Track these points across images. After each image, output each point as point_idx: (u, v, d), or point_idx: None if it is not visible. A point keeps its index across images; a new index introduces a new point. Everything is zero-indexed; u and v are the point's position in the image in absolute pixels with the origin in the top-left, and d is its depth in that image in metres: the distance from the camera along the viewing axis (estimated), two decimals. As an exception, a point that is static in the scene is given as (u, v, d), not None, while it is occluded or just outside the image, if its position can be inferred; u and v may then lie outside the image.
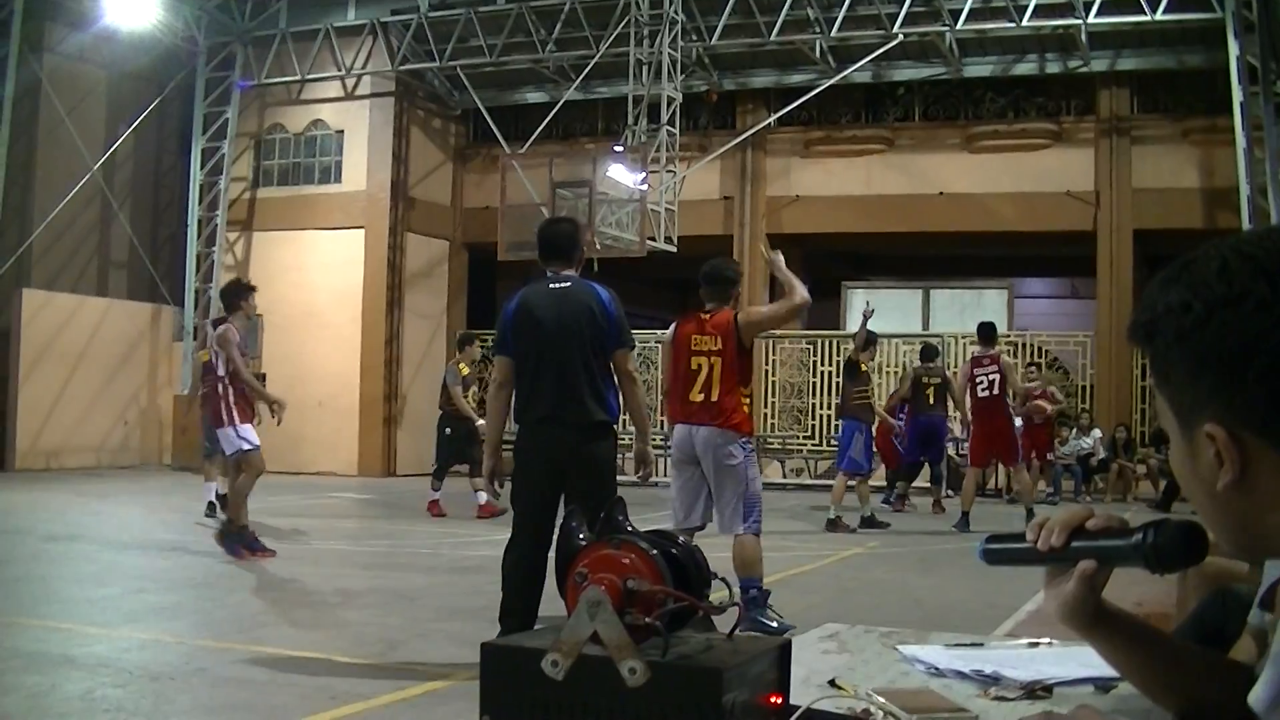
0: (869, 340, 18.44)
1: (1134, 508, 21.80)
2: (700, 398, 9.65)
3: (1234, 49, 22.56)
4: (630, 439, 8.54)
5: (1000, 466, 21.80)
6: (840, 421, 18.59)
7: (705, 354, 9.69)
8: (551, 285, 8.37)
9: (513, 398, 8.33)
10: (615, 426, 8.33)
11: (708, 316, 9.85)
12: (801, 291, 9.71)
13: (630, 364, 8.38)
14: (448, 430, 19.07)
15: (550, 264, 8.56)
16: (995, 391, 17.97)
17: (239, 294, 14.46)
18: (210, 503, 16.99)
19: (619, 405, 8.32)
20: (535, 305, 8.24)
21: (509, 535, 8.18)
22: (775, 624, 9.22)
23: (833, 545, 15.56)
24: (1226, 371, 1.55)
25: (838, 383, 26.70)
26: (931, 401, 19.60)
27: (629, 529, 1.98)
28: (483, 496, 17.98)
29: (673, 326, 10.13)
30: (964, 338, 25.93)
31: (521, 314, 8.24)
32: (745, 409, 9.79)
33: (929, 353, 20.31)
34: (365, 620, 9.83)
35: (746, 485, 9.61)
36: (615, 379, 8.29)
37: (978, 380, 18.08)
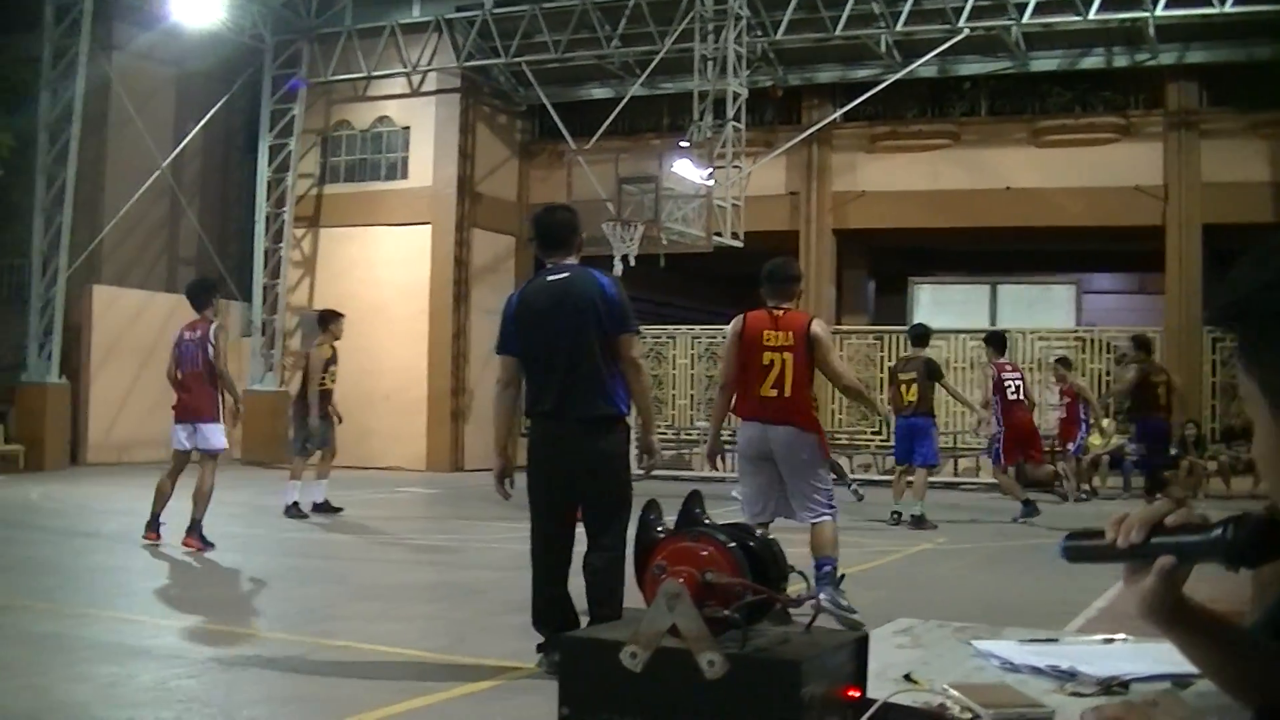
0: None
1: (1204, 504, 21.62)
2: (773, 393, 9.68)
3: (1305, 41, 22.36)
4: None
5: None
6: (917, 419, 18.23)
7: (778, 350, 9.72)
8: (550, 279, 8.27)
9: (521, 395, 8.29)
10: (625, 419, 8.16)
11: (780, 313, 9.87)
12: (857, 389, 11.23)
13: (634, 350, 8.17)
14: None
15: (551, 255, 8.47)
16: (1021, 395, 18.64)
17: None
18: (293, 504, 17.18)
19: (628, 398, 8.12)
20: (537, 300, 8.16)
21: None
22: (846, 603, 9.29)
23: (899, 541, 15.50)
24: None
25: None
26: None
27: (706, 522, 1.99)
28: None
29: (740, 320, 10.05)
30: (1031, 333, 25.80)
31: (523, 311, 8.17)
32: (815, 406, 10.11)
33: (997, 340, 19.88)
34: (433, 614, 9.88)
35: (823, 474, 9.87)
36: (620, 366, 8.07)
37: (1006, 384, 18.51)
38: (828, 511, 9.70)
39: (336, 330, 17.42)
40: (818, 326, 9.93)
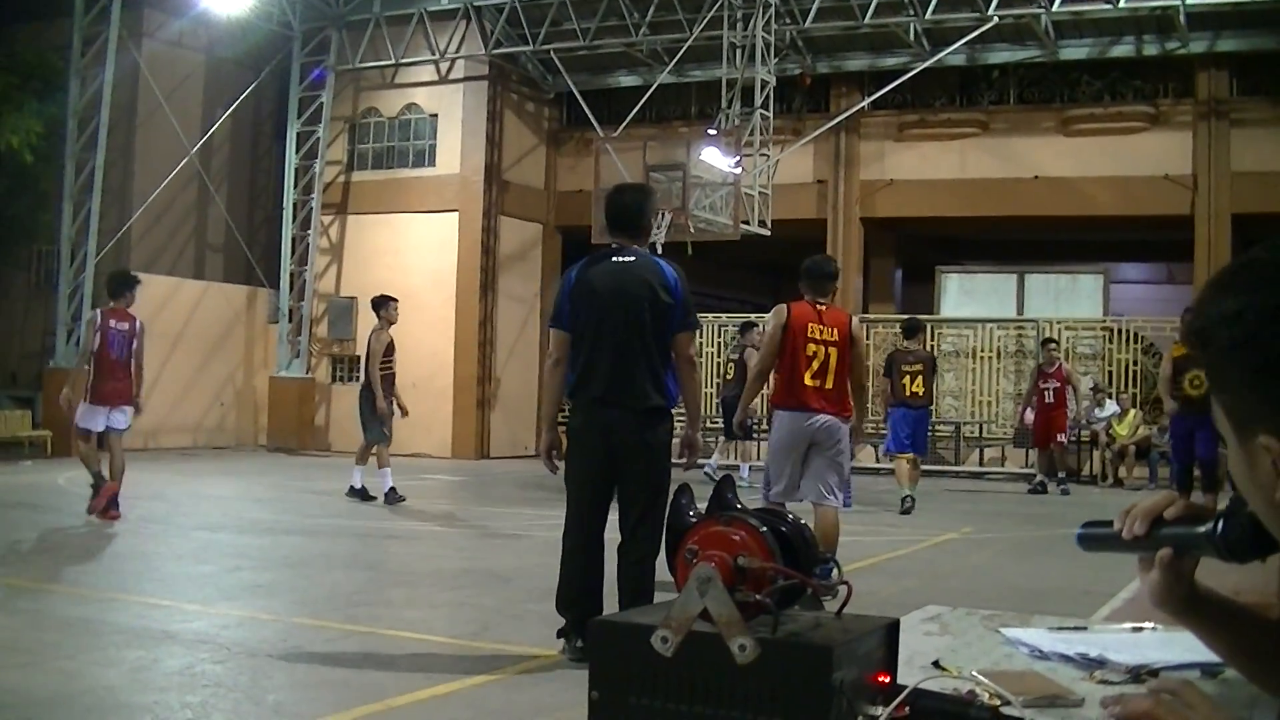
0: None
1: (1230, 494, 21.54)
2: (816, 383, 10.17)
3: (1337, 30, 22.22)
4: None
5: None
6: (923, 410, 19.00)
7: (823, 343, 10.22)
8: (615, 259, 8.07)
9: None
10: (672, 411, 8.12)
11: (824, 308, 10.41)
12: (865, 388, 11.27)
13: (691, 348, 8.10)
14: None
15: (617, 236, 8.22)
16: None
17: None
18: (391, 489, 17.13)
19: (677, 390, 8.09)
20: (596, 279, 7.96)
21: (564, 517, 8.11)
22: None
23: (926, 530, 15.49)
24: None
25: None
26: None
27: (739, 506, 1.99)
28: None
29: (784, 310, 10.38)
30: (1059, 323, 25.72)
31: (581, 288, 7.97)
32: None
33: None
34: (459, 600, 9.89)
35: (847, 465, 10.55)
36: (674, 362, 8.02)
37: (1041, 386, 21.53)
38: (836, 500, 10.27)
39: (388, 315, 17.27)
40: (857, 325, 10.60)
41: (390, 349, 17.20)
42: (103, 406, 14.63)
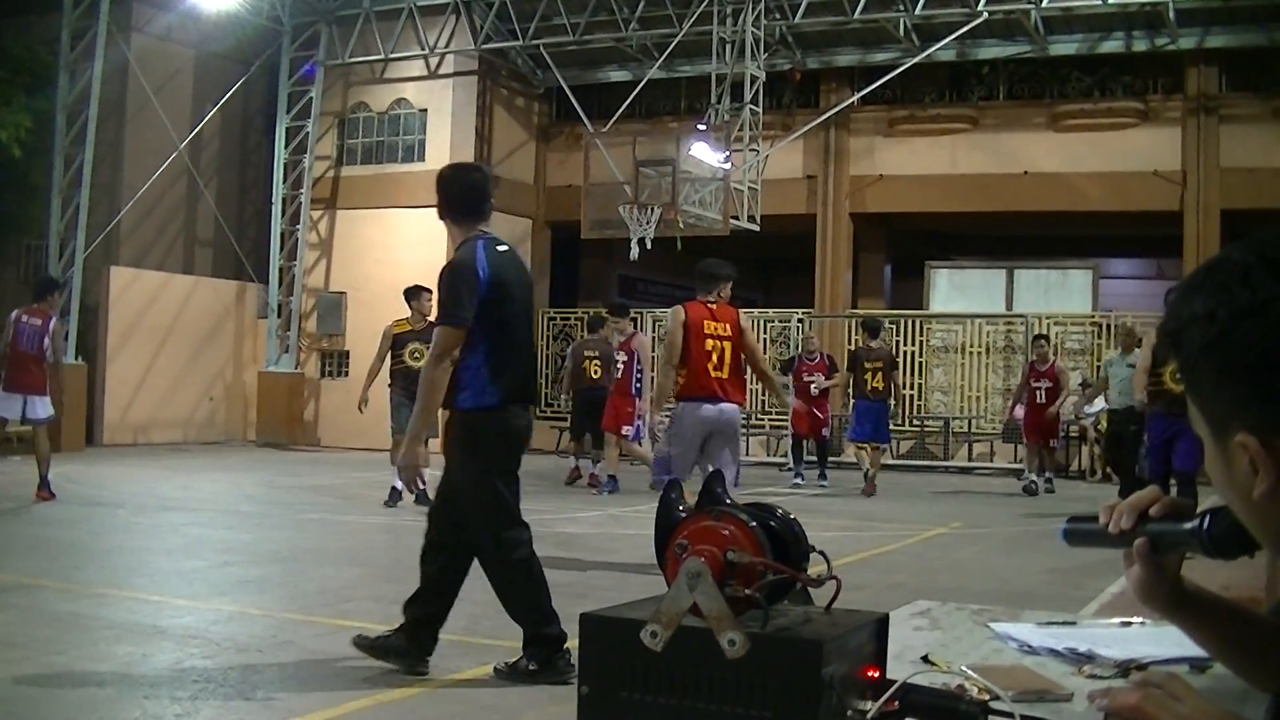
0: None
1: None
2: (719, 374, 11.01)
3: (1325, 25, 22.24)
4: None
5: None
6: (881, 403, 20.61)
7: (718, 338, 11.06)
8: (502, 249, 7.64)
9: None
10: None
11: (715, 306, 11.27)
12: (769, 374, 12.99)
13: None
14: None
15: (475, 220, 7.76)
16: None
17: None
18: (394, 488, 16.29)
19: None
20: (505, 272, 7.51)
21: (506, 530, 7.51)
22: None
23: (915, 525, 15.51)
24: (1255, 382, 1.52)
25: (921, 362, 26.79)
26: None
27: (728, 501, 1.99)
28: (596, 466, 19.95)
29: (682, 311, 11.23)
30: (1048, 318, 25.75)
31: (498, 281, 7.39)
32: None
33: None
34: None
35: (738, 451, 11.45)
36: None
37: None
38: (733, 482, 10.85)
39: (419, 307, 16.65)
40: (744, 320, 11.46)
41: (410, 339, 17.03)
42: (16, 394, 15.64)
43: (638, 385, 18.52)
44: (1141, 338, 18.30)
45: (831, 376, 21.69)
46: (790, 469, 21.70)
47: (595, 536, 14.25)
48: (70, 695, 6.53)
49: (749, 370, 11.99)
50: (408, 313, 16.80)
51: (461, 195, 7.87)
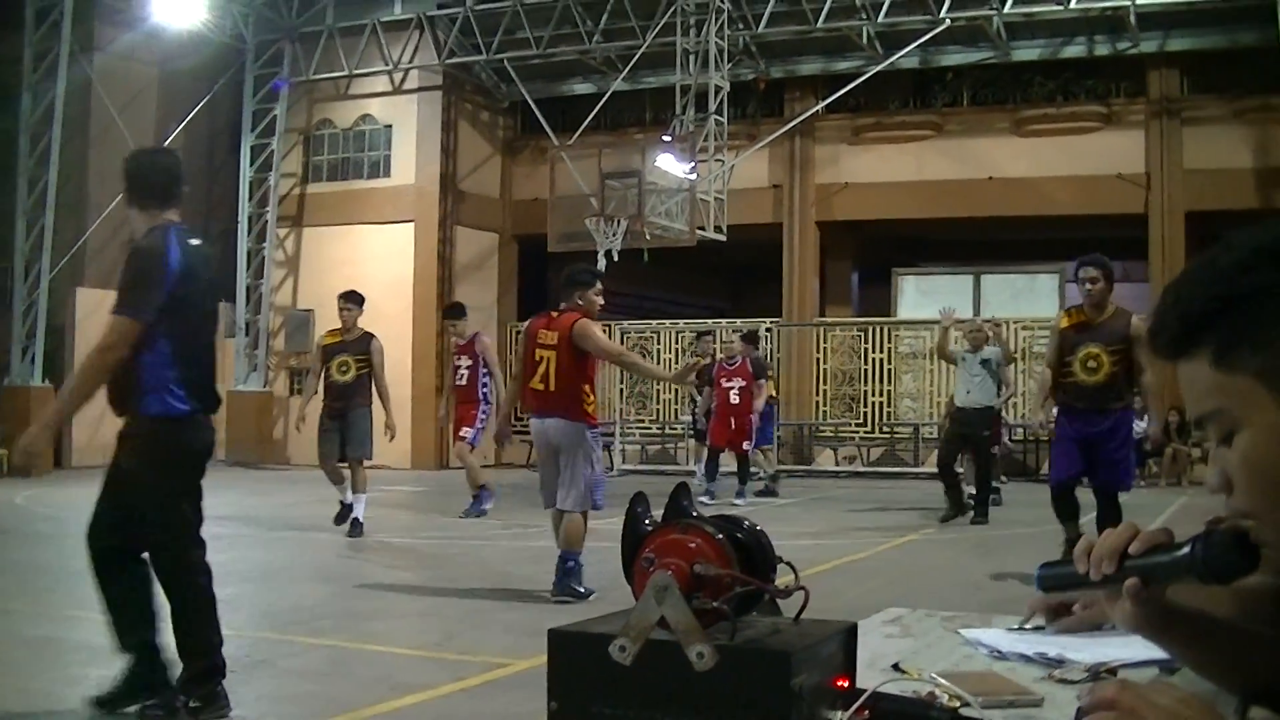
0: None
1: (1190, 492, 21.68)
2: (540, 387, 10.54)
3: (1285, 26, 22.34)
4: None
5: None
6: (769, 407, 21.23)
7: (546, 347, 10.55)
8: (193, 241, 6.76)
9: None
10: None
11: (556, 315, 10.75)
12: (631, 361, 12.88)
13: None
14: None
15: (166, 207, 6.83)
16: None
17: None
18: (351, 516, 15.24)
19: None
20: (196, 265, 6.71)
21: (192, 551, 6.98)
22: (584, 589, 10.24)
23: (887, 532, 15.53)
24: None
25: (890, 369, 26.84)
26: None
27: (695, 514, 1.99)
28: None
29: (529, 321, 11.14)
30: (1015, 322, 25.82)
31: (188, 274, 6.57)
32: (589, 400, 10.65)
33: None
34: (423, 611, 9.88)
35: (589, 469, 10.46)
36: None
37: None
38: (580, 505, 10.35)
39: (348, 315, 15.79)
40: (582, 327, 10.53)
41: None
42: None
43: (484, 390, 17.16)
44: (989, 335, 17.71)
45: (757, 382, 20.16)
46: (700, 482, 19.70)
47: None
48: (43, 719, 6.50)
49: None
50: (371, 327, 16.41)
51: (152, 179, 6.92)
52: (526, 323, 11.22)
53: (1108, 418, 11.04)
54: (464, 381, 17.26)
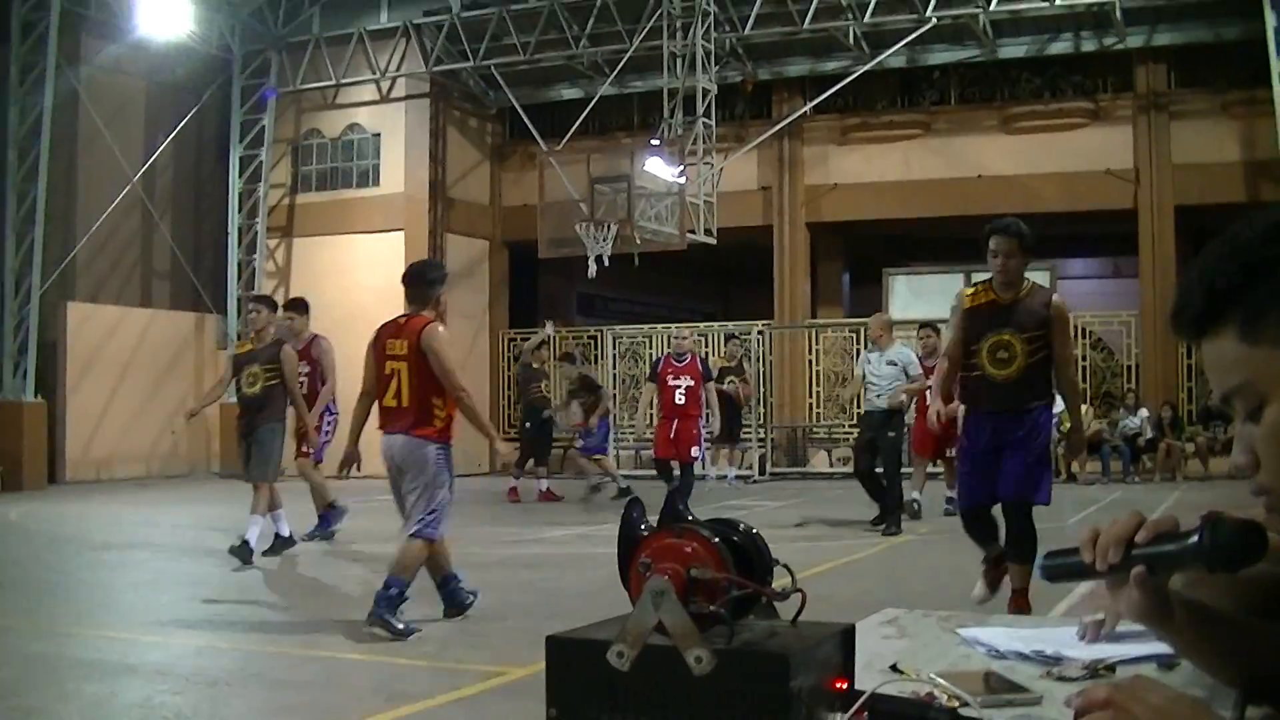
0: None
1: (1183, 486, 21.71)
2: (393, 404, 9.53)
3: (1271, 20, 22.31)
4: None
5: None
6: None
7: (396, 358, 9.54)
8: None
9: None
10: None
11: (404, 321, 9.76)
12: (468, 406, 9.84)
13: None
14: (527, 424, 21.52)
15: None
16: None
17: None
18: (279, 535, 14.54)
19: None
20: None
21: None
22: (401, 626, 9.13)
23: (882, 537, 15.50)
24: None
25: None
26: None
27: (691, 518, 1.98)
28: (544, 484, 20.74)
29: (377, 329, 9.93)
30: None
31: None
32: (438, 414, 9.60)
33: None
34: (418, 620, 9.86)
35: (436, 491, 9.43)
36: None
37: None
38: (423, 532, 9.37)
39: (254, 322, 14.47)
40: (428, 335, 9.54)
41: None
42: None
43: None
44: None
45: (705, 383, 18.41)
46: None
47: (561, 556, 14.24)
48: (39, 735, 6.48)
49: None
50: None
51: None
52: (374, 332, 9.93)
53: (1023, 421, 8.78)
54: (304, 390, 15.27)
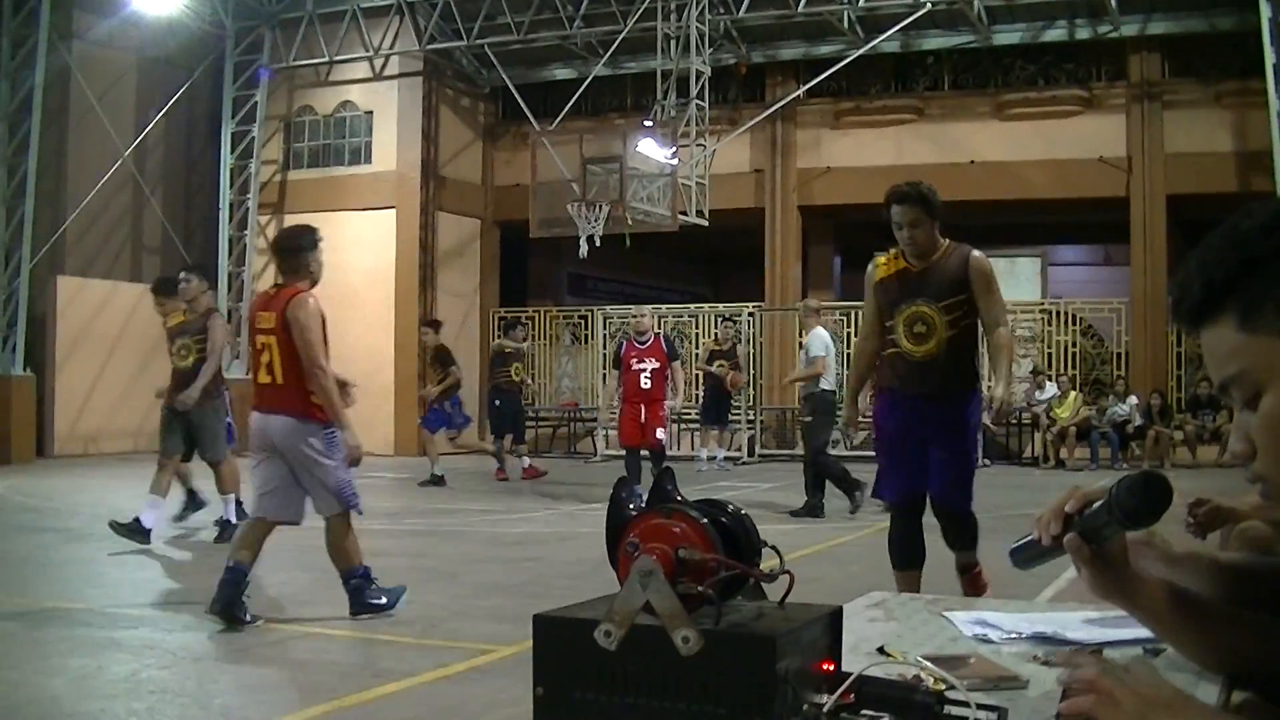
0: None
1: (1171, 474, 21.72)
2: (267, 379, 8.93)
3: (1265, 10, 22.28)
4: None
5: None
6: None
7: (266, 332, 8.91)
8: None
9: None
10: None
11: (273, 292, 9.20)
12: (323, 385, 8.78)
13: None
14: (496, 403, 21.47)
15: None
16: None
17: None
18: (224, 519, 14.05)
19: None
20: None
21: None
22: (385, 599, 9.02)
23: (870, 516, 15.51)
24: None
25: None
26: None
27: (679, 498, 1.98)
28: (526, 460, 20.84)
29: (252, 301, 9.35)
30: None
31: None
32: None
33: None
34: (407, 598, 9.86)
35: (328, 473, 8.94)
36: None
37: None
38: (339, 509, 9.00)
39: (184, 293, 14.04)
40: (297, 306, 8.90)
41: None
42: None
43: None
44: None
45: (671, 363, 17.76)
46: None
47: (548, 535, 14.24)
48: (24, 710, 6.47)
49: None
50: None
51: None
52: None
53: (944, 407, 7.88)
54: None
